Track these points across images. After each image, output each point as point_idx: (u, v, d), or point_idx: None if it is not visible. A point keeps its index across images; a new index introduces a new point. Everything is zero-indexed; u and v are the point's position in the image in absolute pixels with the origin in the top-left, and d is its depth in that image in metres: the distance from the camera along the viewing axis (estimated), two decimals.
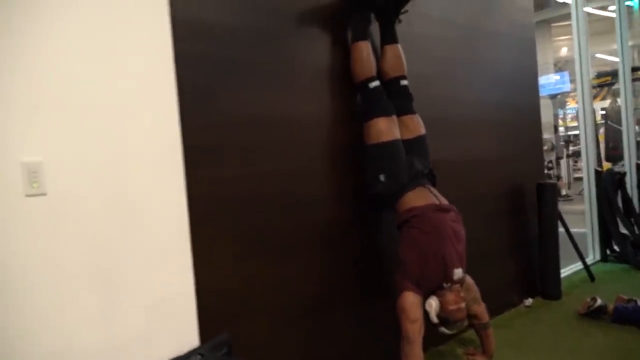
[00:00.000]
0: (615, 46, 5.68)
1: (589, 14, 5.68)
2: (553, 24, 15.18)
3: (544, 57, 14.57)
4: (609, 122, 8.44)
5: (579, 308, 3.21)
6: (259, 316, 2.11)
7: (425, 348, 2.49)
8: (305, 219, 2.29)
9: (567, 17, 5.79)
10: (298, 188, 2.27)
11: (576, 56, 4.88)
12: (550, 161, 11.85)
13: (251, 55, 2.14)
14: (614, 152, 8.15)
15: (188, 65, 1.92)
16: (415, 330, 2.21)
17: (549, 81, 13.35)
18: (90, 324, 1.66)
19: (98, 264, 1.68)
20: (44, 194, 1.58)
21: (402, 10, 2.52)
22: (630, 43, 18.12)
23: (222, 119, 2.03)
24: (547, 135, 14.18)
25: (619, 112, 6.11)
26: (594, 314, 3.10)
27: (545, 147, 13.52)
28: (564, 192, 11.12)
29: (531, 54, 3.82)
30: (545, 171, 11.84)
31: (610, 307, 3.07)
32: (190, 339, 1.89)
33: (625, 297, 3.14)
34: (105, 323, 1.68)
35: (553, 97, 13.03)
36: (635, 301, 3.07)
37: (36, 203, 1.56)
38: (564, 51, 17.75)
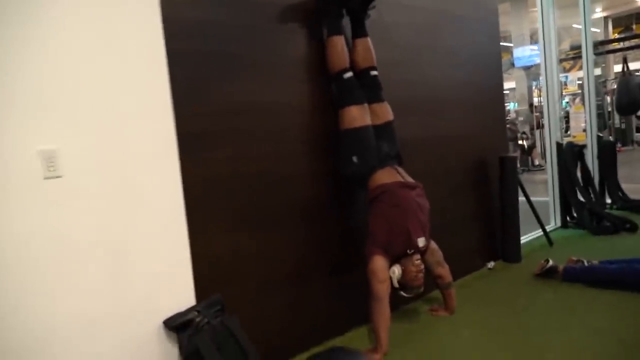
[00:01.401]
0: (594, 16, 5.87)
1: None
2: None
3: (519, 29, 14.78)
4: None
5: (535, 269, 3.56)
6: (246, 281, 2.40)
7: (395, 306, 2.84)
8: (287, 195, 2.58)
9: None
10: (280, 168, 2.54)
11: (540, 28, 5.10)
12: (524, 132, 12.23)
13: (236, 49, 2.38)
14: None
15: (179, 60, 2.16)
16: (383, 289, 2.54)
17: (524, 53, 13.60)
18: (100, 290, 1.93)
19: (106, 238, 1.95)
20: (59, 177, 1.83)
21: (370, 7, 2.77)
22: (603, 14, 18.32)
23: (211, 108, 2.29)
24: (522, 107, 14.58)
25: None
26: (547, 274, 3.46)
27: (521, 118, 13.93)
28: (537, 162, 11.52)
29: (495, 37, 4.09)
30: (520, 142, 12.25)
31: (561, 267, 3.43)
32: (188, 299, 2.17)
33: (575, 259, 3.51)
34: (113, 289, 1.96)
35: (527, 68, 13.33)
36: (583, 262, 3.44)
37: (53, 185, 1.81)
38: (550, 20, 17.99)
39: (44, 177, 1.80)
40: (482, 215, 3.93)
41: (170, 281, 2.14)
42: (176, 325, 2.09)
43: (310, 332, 2.65)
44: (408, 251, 2.60)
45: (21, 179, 1.75)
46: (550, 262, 3.46)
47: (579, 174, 5.07)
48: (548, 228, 4.73)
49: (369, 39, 2.80)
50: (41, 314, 1.78)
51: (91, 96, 1.91)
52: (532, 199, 4.32)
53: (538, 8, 5.10)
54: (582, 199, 4.95)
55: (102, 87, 1.94)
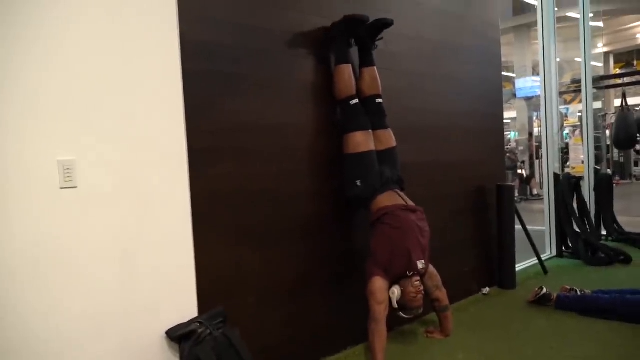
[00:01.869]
0: (595, 51, 6.02)
1: (568, 18, 5.89)
2: (533, 28, 15.67)
3: (522, 60, 15.05)
4: None
5: (529, 296, 3.62)
6: (248, 295, 2.47)
7: (391, 328, 2.90)
8: (289, 212, 2.66)
9: None
10: (283, 186, 2.62)
11: (541, 61, 5.24)
12: (523, 161, 12.35)
13: (246, 71, 2.49)
14: None
15: (193, 80, 2.26)
16: (381, 311, 2.60)
17: (525, 84, 13.81)
18: (110, 292, 2.00)
19: (117, 246, 2.02)
20: (75, 187, 1.91)
21: (378, 37, 2.89)
22: (605, 49, 18.56)
23: (221, 126, 2.38)
24: (523, 136, 14.74)
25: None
26: (540, 301, 3.52)
27: (521, 148, 14.09)
28: (535, 191, 11.62)
29: (496, 67, 4.22)
30: (519, 171, 12.37)
31: (554, 295, 3.49)
32: (190, 310, 2.24)
33: (568, 287, 3.58)
34: (122, 293, 2.03)
35: (528, 99, 13.52)
36: (576, 291, 3.51)
37: (69, 194, 1.90)
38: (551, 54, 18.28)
39: (60, 187, 1.88)
40: (479, 241, 4.01)
41: (174, 291, 2.20)
42: (178, 336, 2.15)
43: (308, 348, 2.71)
44: (408, 273, 2.66)
45: (39, 187, 1.83)
46: (545, 290, 3.53)
47: (575, 205, 5.15)
48: (544, 257, 4.80)
49: (375, 68, 2.91)
50: (50, 313, 1.84)
51: (109, 110, 2.01)
52: (530, 227, 4.40)
53: (539, 41, 5.24)
54: (577, 229, 5.02)
55: (120, 102, 2.04)
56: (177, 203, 2.22)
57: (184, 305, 2.23)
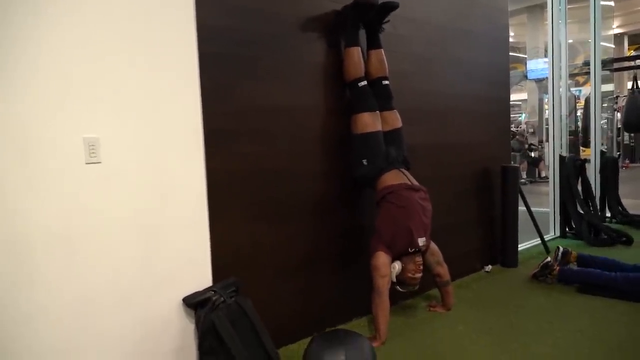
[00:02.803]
0: (609, 32, 5.96)
1: None
2: (546, 9, 15.42)
3: (534, 41, 14.91)
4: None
5: (532, 271, 3.75)
6: (261, 268, 2.62)
7: (395, 301, 3.04)
8: (301, 190, 2.79)
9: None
10: (295, 165, 2.75)
11: (550, 42, 5.26)
12: (532, 143, 12.35)
13: (259, 54, 2.60)
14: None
15: (209, 62, 2.37)
16: (384, 284, 2.75)
17: (537, 66, 13.72)
18: (132, 262, 2.15)
19: (137, 219, 2.16)
20: (99, 162, 2.04)
21: (385, 20, 2.98)
22: (620, 30, 18.27)
23: (235, 107, 2.50)
24: (533, 118, 14.69)
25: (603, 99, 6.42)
26: (543, 271, 3.64)
27: (531, 130, 14.06)
28: (543, 174, 11.64)
29: (504, 51, 4.28)
30: (528, 153, 12.38)
31: (557, 268, 3.61)
32: (206, 281, 2.39)
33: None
34: (144, 265, 2.18)
35: (539, 81, 13.44)
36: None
37: (93, 169, 2.03)
38: (560, 35, 18.07)
39: (86, 162, 2.01)
40: (483, 220, 4.12)
41: (191, 262, 2.35)
42: (194, 303, 2.30)
43: (317, 318, 2.86)
44: (410, 249, 2.79)
45: (66, 163, 1.96)
46: (549, 259, 3.66)
47: (580, 187, 5.24)
48: (547, 237, 4.91)
49: (382, 50, 3.01)
50: (78, 280, 1.99)
51: (130, 92, 2.13)
52: (536, 209, 4.51)
53: (549, 21, 5.25)
54: (581, 211, 5.11)
55: (140, 84, 2.15)
56: (194, 180, 2.35)
57: (200, 277, 2.38)
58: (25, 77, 1.85)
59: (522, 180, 11.04)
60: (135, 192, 2.16)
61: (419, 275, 2.84)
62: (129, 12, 2.11)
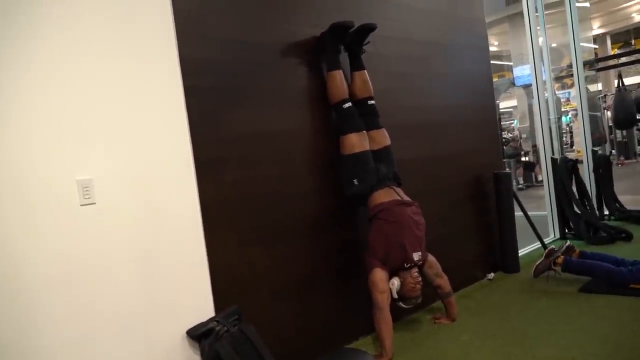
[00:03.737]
0: (590, 33, 6.02)
1: (561, 2, 5.94)
2: None
3: (518, 48, 15.09)
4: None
5: (533, 268, 3.78)
6: (259, 291, 2.64)
7: (399, 317, 3.06)
8: (294, 213, 2.82)
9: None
10: (286, 188, 2.79)
11: (529, 47, 5.34)
12: (525, 150, 12.44)
13: (243, 83, 2.66)
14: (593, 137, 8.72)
15: (194, 94, 2.42)
16: (384, 299, 2.77)
17: (523, 72, 13.84)
18: (133, 297, 2.17)
19: (135, 254, 2.19)
20: (93, 203, 2.08)
21: (364, 42, 3.05)
22: (602, 30, 18.48)
23: (224, 136, 2.55)
24: (524, 124, 14.79)
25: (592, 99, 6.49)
26: (547, 257, 3.69)
27: (524, 135, 14.15)
28: (540, 178, 11.67)
29: (485, 61, 4.36)
30: (523, 158, 12.45)
31: (561, 257, 3.64)
32: (207, 309, 2.41)
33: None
34: (144, 297, 2.20)
35: (527, 87, 13.57)
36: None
37: (88, 210, 2.07)
38: (540, 41, 18.37)
39: (81, 204, 2.05)
40: (480, 228, 4.15)
41: (191, 293, 2.37)
42: (198, 335, 2.32)
43: (321, 339, 2.87)
44: (405, 264, 2.82)
45: (61, 205, 2.00)
46: (553, 246, 3.72)
47: (574, 188, 5.27)
48: (547, 240, 4.93)
49: (365, 71, 3.07)
50: (80, 319, 2.01)
51: (120, 131, 2.18)
52: (534, 213, 4.55)
53: (526, 28, 5.34)
54: (578, 210, 5.14)
55: (129, 121, 2.21)
56: (188, 210, 2.39)
57: (201, 306, 2.40)
58: (16, 121, 1.91)
59: (520, 186, 11.08)
60: (131, 228, 2.19)
61: (419, 287, 2.86)
62: (113, 49, 2.18)
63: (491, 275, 4.10)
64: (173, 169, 2.35)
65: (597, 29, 17.54)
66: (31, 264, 1.91)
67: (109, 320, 2.09)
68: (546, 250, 3.78)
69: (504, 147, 11.18)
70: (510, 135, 13.96)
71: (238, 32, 2.66)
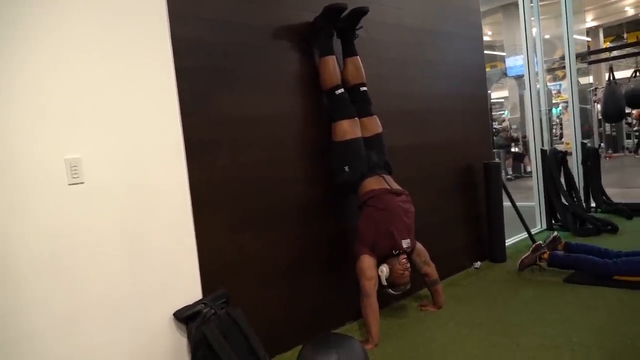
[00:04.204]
0: (583, 26, 6.02)
1: None
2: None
3: (512, 39, 15.09)
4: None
5: (519, 262, 3.81)
6: (248, 276, 2.63)
7: (387, 303, 3.08)
8: (283, 198, 2.81)
9: None
10: (277, 173, 2.78)
11: (523, 39, 5.34)
12: (516, 138, 12.52)
13: (235, 65, 2.63)
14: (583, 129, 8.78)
15: (185, 75, 2.39)
16: (371, 286, 2.78)
17: (515, 62, 13.87)
18: (121, 278, 2.16)
19: (124, 235, 2.17)
20: (82, 183, 2.06)
21: (357, 27, 3.02)
22: (595, 23, 18.52)
23: (215, 118, 2.53)
24: (514, 114, 14.85)
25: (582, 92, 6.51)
26: (533, 252, 3.72)
27: (515, 126, 14.22)
28: (528, 168, 11.75)
29: (478, 50, 4.35)
30: (512, 149, 12.53)
31: (547, 253, 3.69)
32: (195, 292, 2.40)
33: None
34: (132, 278, 2.19)
35: (518, 77, 13.60)
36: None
37: (77, 190, 2.05)
38: (533, 32, 18.38)
39: (69, 183, 2.02)
40: (469, 217, 4.17)
41: (179, 274, 2.36)
42: (185, 317, 2.31)
43: (308, 324, 2.87)
44: (393, 252, 2.83)
45: (50, 185, 1.97)
46: (540, 242, 3.78)
47: (563, 179, 5.32)
48: (534, 230, 4.98)
49: (358, 57, 3.05)
50: (68, 299, 2.00)
51: (110, 110, 2.15)
52: (523, 203, 4.58)
53: (521, 18, 5.33)
54: (565, 202, 5.19)
55: (119, 100, 2.18)
56: (178, 192, 2.37)
57: (189, 288, 2.39)
58: (4, 99, 1.87)
59: (509, 176, 11.15)
60: (120, 208, 2.17)
61: (407, 274, 2.87)
62: (105, 28, 2.14)
63: (478, 264, 4.13)
64: (163, 150, 2.33)
65: (590, 21, 17.58)
66: (19, 243, 1.89)
67: (96, 300, 2.08)
68: (533, 245, 3.81)
69: (494, 138, 11.23)
70: (500, 126, 14.02)
71: (230, 13, 2.62)
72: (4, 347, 1.84)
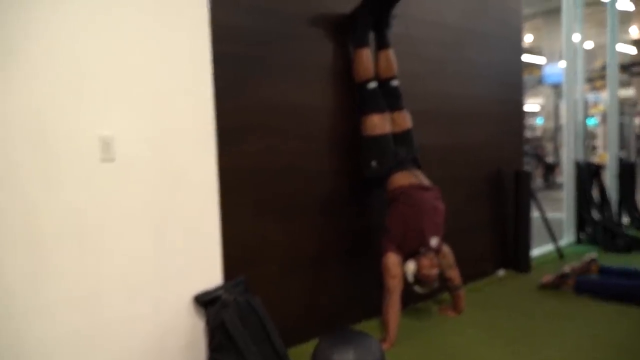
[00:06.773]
0: (629, 37, 5.83)
1: (600, 2, 5.74)
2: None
3: (552, 45, 14.79)
4: None
5: (542, 280, 3.69)
6: (270, 265, 2.63)
7: (406, 304, 3.03)
8: (309, 188, 2.80)
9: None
10: (305, 163, 2.77)
11: (563, 46, 5.19)
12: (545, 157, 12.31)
13: (271, 53, 2.62)
14: None
15: (222, 61, 2.39)
16: (395, 284, 2.74)
17: (553, 70, 13.58)
18: (144, 257, 2.18)
19: (150, 215, 2.19)
20: (113, 160, 2.08)
21: (391, 17, 2.96)
22: None
23: (247, 105, 2.52)
24: (549, 123, 14.55)
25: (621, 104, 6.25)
26: (560, 278, 3.57)
27: (548, 136, 13.93)
28: (558, 180, 11.52)
29: (517, 54, 4.26)
30: (545, 160, 12.30)
31: (573, 278, 3.54)
32: (216, 278, 2.40)
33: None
34: (156, 261, 2.21)
35: (556, 86, 13.32)
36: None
37: (107, 167, 2.06)
38: (576, 39, 17.91)
39: (101, 160, 2.04)
40: (496, 224, 4.10)
41: (201, 259, 2.37)
42: (205, 301, 2.32)
43: (326, 318, 2.87)
44: (421, 249, 2.79)
45: (82, 160, 1.99)
46: (566, 268, 3.59)
47: (596, 193, 5.18)
48: (562, 243, 4.86)
49: (391, 50, 3.00)
50: (93, 276, 2.03)
51: (145, 91, 2.16)
52: (552, 214, 4.46)
53: (563, 25, 5.19)
54: (597, 216, 5.05)
55: (154, 83, 2.19)
56: (206, 177, 2.37)
57: (210, 273, 2.40)
58: (44, 72, 1.89)
59: (539, 186, 10.95)
60: (148, 189, 2.18)
61: (435, 271, 2.81)
62: (144, 10, 2.15)
63: (501, 271, 4.06)
64: (194, 134, 2.33)
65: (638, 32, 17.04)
66: (46, 213, 1.91)
67: (118, 277, 2.10)
68: (560, 273, 3.61)
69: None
70: (534, 136, 13.77)
71: (269, 0, 2.61)
72: (24, 316, 1.87)
